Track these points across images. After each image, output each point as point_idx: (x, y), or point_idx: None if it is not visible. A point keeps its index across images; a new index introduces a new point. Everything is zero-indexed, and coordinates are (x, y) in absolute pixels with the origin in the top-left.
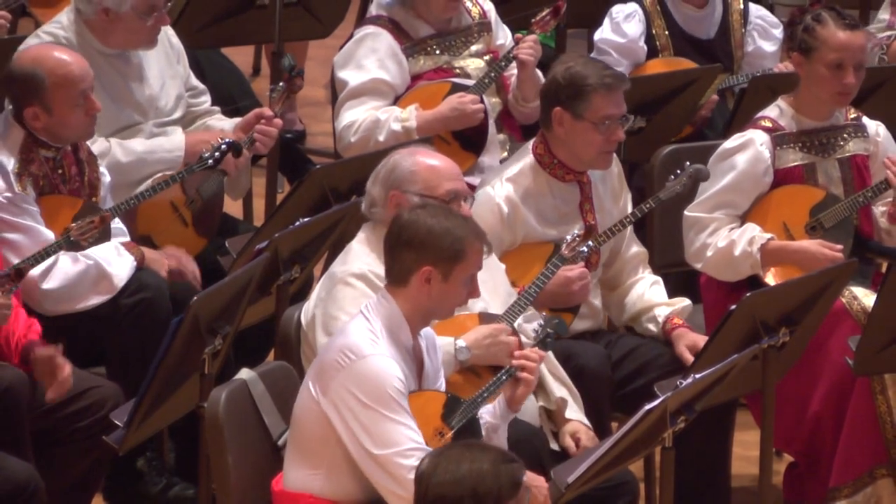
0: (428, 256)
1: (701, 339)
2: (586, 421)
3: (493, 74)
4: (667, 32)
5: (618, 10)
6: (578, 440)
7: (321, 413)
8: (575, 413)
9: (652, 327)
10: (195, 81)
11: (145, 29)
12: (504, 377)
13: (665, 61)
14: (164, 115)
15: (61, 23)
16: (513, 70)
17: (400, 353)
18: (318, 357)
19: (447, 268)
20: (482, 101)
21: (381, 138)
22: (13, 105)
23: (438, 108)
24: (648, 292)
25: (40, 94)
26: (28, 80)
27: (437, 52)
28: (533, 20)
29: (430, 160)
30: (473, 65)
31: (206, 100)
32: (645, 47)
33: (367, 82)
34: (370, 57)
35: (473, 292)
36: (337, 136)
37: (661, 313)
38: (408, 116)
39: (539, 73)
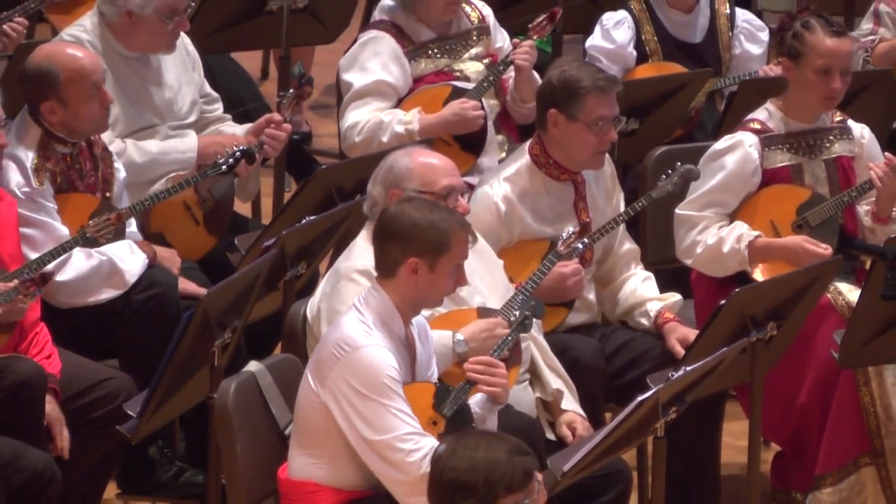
0: (413, 248)
1: (691, 333)
2: (581, 411)
3: (491, 78)
4: (656, 38)
5: (608, 18)
6: (574, 430)
7: (321, 404)
8: (570, 404)
9: (644, 321)
10: (209, 89)
11: (166, 33)
12: None
13: (653, 66)
14: (179, 119)
15: (84, 26)
16: (511, 72)
17: (393, 342)
18: (315, 350)
19: (433, 259)
20: (482, 105)
21: (384, 139)
22: (29, 102)
23: (441, 113)
24: (640, 287)
25: (55, 88)
26: (43, 76)
27: (438, 55)
28: (530, 25)
29: (427, 158)
30: (473, 68)
31: (218, 107)
32: (634, 53)
33: (370, 84)
34: (373, 60)
35: (460, 281)
36: (342, 135)
37: (653, 308)
38: (410, 119)
39: (536, 74)
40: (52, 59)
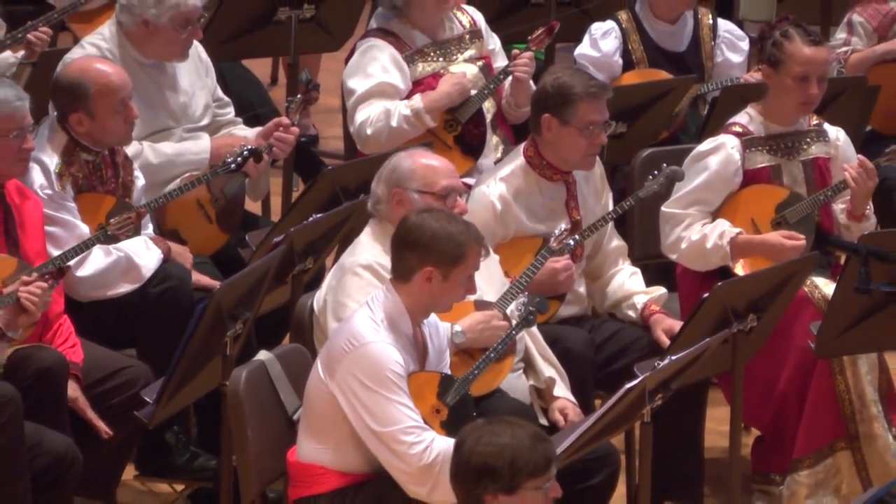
0: (430, 258)
1: (676, 324)
2: (573, 398)
3: (492, 86)
4: (642, 47)
5: (596, 28)
6: (566, 415)
7: (329, 394)
8: (562, 391)
9: (631, 313)
10: (221, 94)
11: (180, 41)
12: (492, 355)
13: (640, 73)
14: (193, 122)
15: (103, 35)
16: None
17: (400, 340)
18: (326, 343)
19: (447, 269)
20: (481, 111)
21: (393, 124)
22: (59, 111)
23: (440, 88)
24: (628, 282)
25: (85, 101)
26: (74, 89)
27: (434, 58)
28: (529, 38)
29: (428, 160)
30: (468, 71)
31: (230, 111)
32: (620, 61)
33: (373, 87)
34: (374, 64)
35: (471, 290)
36: (354, 136)
37: (640, 301)
38: (414, 101)
39: (531, 82)
40: (84, 74)
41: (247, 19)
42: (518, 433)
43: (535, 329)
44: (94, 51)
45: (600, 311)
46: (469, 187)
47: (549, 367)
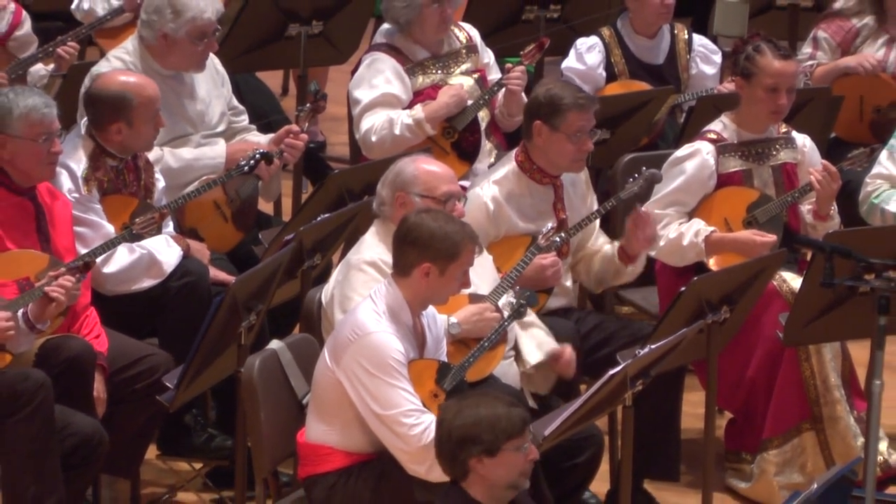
0: (428, 255)
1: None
2: (557, 345)
3: (486, 97)
4: (623, 60)
5: (581, 42)
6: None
7: (336, 380)
8: (548, 346)
9: (608, 250)
10: (235, 103)
11: (197, 53)
12: (486, 344)
13: (622, 84)
14: (209, 129)
15: (127, 48)
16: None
17: (401, 330)
18: (332, 333)
19: (444, 265)
20: (477, 119)
21: (396, 132)
22: (95, 121)
23: (439, 99)
24: (603, 249)
25: (127, 112)
26: (118, 101)
27: (433, 71)
28: (522, 52)
29: (430, 166)
30: (465, 82)
31: (244, 118)
32: (604, 74)
33: (378, 97)
34: (378, 76)
35: (465, 284)
36: (360, 143)
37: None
38: (416, 110)
39: (523, 94)
40: (126, 87)
41: (260, 35)
42: (492, 402)
43: (532, 315)
44: (119, 63)
45: (589, 286)
46: (465, 190)
47: (536, 354)
